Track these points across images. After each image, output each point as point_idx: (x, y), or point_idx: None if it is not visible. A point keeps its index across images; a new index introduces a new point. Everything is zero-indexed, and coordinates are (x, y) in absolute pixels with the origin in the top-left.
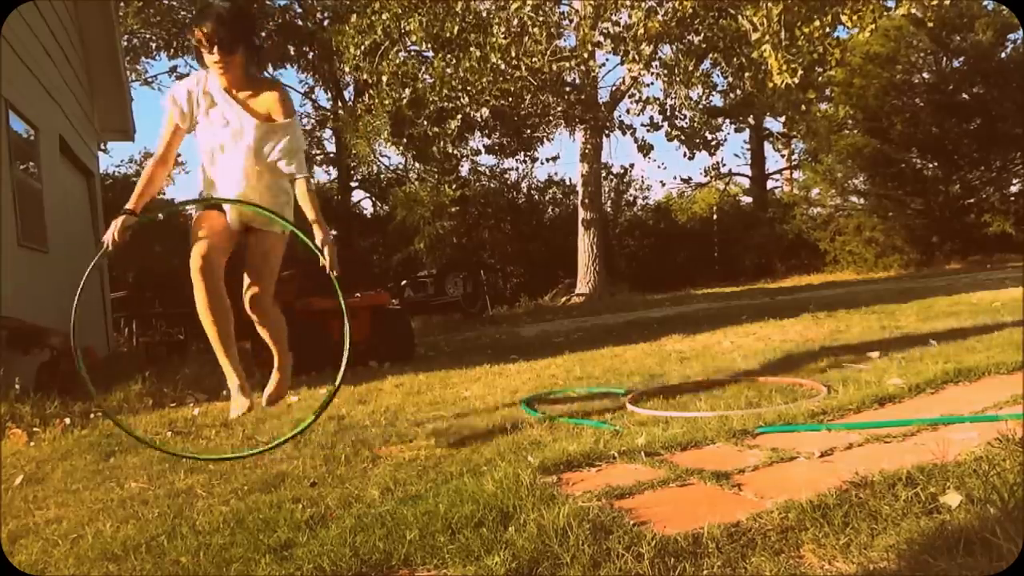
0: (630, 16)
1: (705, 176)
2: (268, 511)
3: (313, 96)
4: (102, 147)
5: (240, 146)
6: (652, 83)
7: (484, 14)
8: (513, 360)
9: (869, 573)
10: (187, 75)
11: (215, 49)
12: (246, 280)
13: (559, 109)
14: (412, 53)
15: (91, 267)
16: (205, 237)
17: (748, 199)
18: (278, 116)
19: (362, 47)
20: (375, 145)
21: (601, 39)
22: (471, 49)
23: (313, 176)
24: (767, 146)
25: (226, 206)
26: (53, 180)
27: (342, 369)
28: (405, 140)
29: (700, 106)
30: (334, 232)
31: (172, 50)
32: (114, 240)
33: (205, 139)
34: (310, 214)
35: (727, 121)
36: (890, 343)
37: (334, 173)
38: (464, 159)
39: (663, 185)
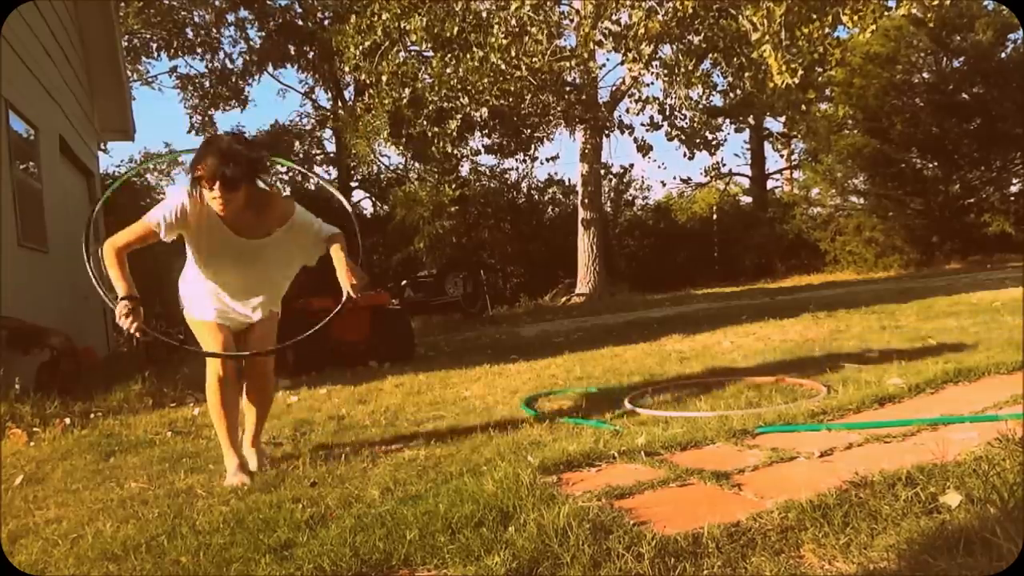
0: (630, 16)
1: (705, 176)
2: (268, 511)
3: (313, 96)
4: (102, 147)
5: (251, 263)
6: (652, 83)
7: (484, 14)
8: (513, 360)
9: (869, 573)
10: (189, 75)
11: (216, 186)
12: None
13: (559, 109)
14: (412, 53)
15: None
16: (217, 361)
17: (748, 199)
18: (284, 221)
19: (362, 47)
20: (375, 145)
21: (602, 38)
22: (471, 49)
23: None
24: (767, 146)
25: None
26: (53, 180)
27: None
28: (405, 140)
29: (700, 106)
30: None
31: (172, 50)
32: (140, 332)
33: (207, 255)
34: (346, 265)
35: (727, 121)
36: (890, 343)
37: (334, 173)
38: (464, 159)
39: (663, 185)
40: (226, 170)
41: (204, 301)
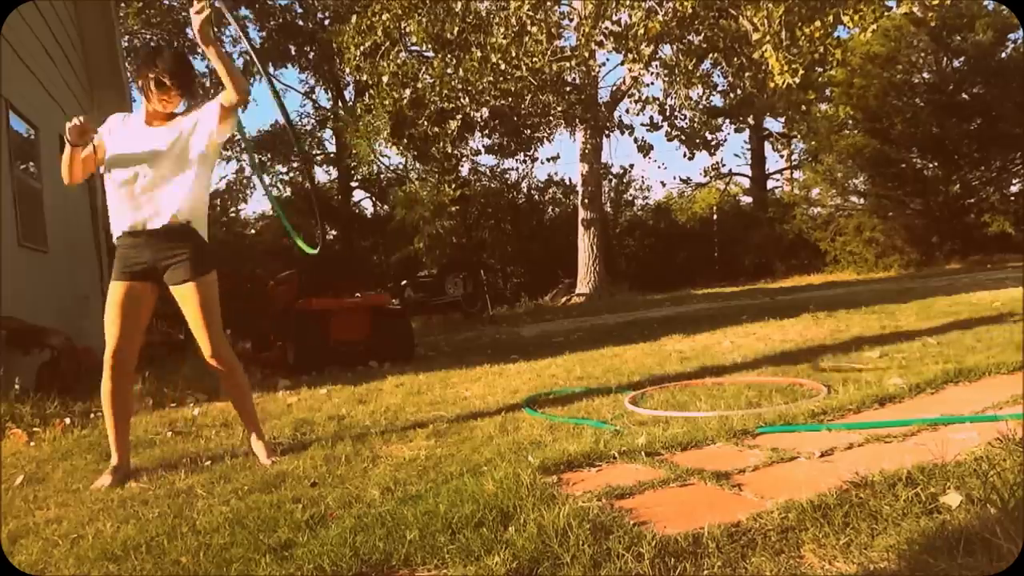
0: (630, 16)
1: (705, 176)
2: (268, 511)
3: (313, 96)
4: None
5: (162, 142)
6: (652, 83)
7: (484, 14)
8: (513, 360)
9: (869, 573)
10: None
11: (173, 85)
12: (197, 335)
13: (559, 109)
14: (413, 54)
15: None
16: (122, 326)
17: (748, 199)
18: (191, 108)
19: (363, 47)
20: (375, 145)
21: (602, 38)
22: (471, 49)
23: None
24: (767, 146)
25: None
26: (53, 180)
27: None
28: (405, 140)
29: (700, 106)
30: (334, 232)
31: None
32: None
33: (119, 149)
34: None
35: (727, 121)
36: (890, 343)
37: (334, 173)
38: (464, 159)
39: (663, 185)
40: (184, 74)
41: (119, 216)
